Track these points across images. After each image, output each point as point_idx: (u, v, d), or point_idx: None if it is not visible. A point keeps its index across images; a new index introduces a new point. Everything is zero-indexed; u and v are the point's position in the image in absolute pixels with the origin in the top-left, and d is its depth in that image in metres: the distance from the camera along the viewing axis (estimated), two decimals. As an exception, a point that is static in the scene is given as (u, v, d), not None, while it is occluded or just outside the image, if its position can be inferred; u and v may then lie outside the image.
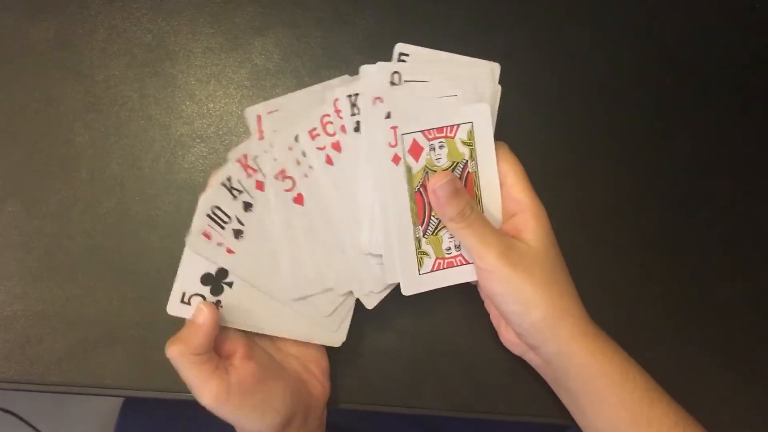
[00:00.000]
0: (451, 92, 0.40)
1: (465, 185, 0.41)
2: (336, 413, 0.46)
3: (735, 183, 0.51)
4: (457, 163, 0.41)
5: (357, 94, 0.40)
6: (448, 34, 0.51)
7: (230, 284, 0.40)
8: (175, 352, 0.37)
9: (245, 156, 0.39)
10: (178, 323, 0.46)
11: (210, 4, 0.51)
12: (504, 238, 0.40)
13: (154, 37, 0.50)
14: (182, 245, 0.47)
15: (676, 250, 0.49)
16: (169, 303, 0.39)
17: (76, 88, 0.49)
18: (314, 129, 0.40)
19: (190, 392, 0.45)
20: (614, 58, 0.52)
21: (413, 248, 0.41)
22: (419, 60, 0.41)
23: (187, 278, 0.39)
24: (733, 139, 0.51)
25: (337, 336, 0.43)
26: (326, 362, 0.44)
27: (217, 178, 0.39)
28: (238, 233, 0.40)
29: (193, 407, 0.65)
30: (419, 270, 0.41)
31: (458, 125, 0.40)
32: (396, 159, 0.40)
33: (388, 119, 0.39)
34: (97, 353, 0.46)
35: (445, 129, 0.40)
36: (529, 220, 0.40)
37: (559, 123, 0.51)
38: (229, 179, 0.39)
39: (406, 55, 0.41)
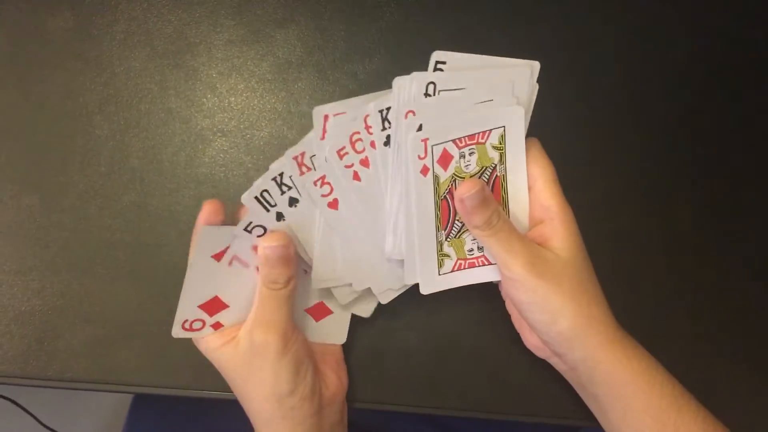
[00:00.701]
0: (487, 97, 0.39)
1: (492, 189, 0.40)
2: (350, 410, 0.45)
3: (763, 183, 0.50)
4: (486, 167, 0.40)
5: (389, 108, 0.39)
6: (474, 29, 0.50)
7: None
8: (269, 283, 0.38)
9: (302, 154, 0.39)
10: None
11: (232, -5, 0.50)
12: (531, 246, 0.39)
13: (174, 29, 0.49)
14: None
15: (703, 250, 0.48)
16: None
17: (96, 80, 0.48)
18: (343, 148, 0.39)
19: (206, 390, 0.45)
20: (642, 56, 0.51)
21: (435, 251, 0.40)
22: (457, 66, 0.40)
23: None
24: (763, 140, 0.50)
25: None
26: (341, 355, 0.44)
27: (269, 173, 0.39)
28: (279, 216, 0.40)
29: (203, 404, 0.65)
30: (439, 271, 0.41)
31: (491, 130, 0.39)
32: (425, 170, 0.39)
33: (419, 132, 0.38)
34: (115, 349, 0.45)
35: (477, 135, 0.39)
36: (558, 229, 0.39)
37: (584, 120, 0.50)
38: (281, 175, 0.39)
39: (443, 63, 0.40)
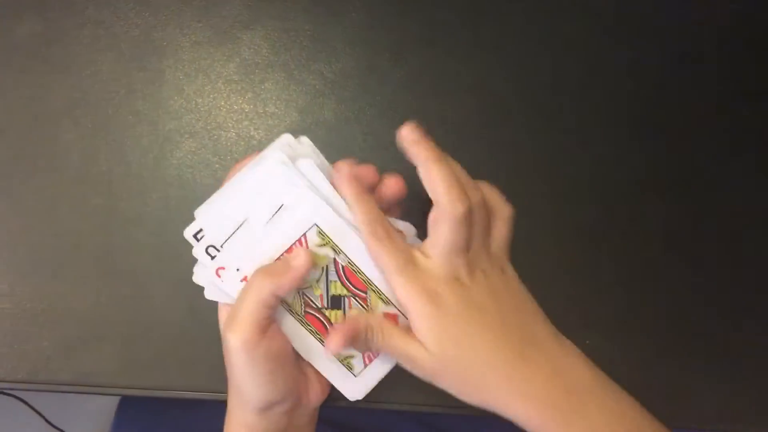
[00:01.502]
0: (274, 206, 0.37)
1: (348, 278, 0.38)
2: (334, 408, 0.45)
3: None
4: (327, 266, 0.38)
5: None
6: (440, 24, 0.50)
7: None
8: (265, 285, 0.36)
9: None
10: (167, 321, 0.46)
11: (198, -3, 0.50)
12: (408, 349, 0.37)
13: (141, 32, 0.49)
14: (172, 241, 0.47)
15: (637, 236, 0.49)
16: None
17: (63, 84, 0.48)
18: None
19: (179, 390, 0.45)
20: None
21: (336, 363, 0.40)
22: (219, 211, 0.38)
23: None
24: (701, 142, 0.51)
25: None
26: None
27: None
28: None
29: (189, 405, 0.65)
30: (353, 373, 0.40)
31: (303, 235, 0.37)
32: None
33: (238, 272, 0.37)
34: (85, 351, 0.45)
35: (292, 248, 0.37)
36: (415, 322, 0.37)
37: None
38: None
39: (200, 231, 0.38)
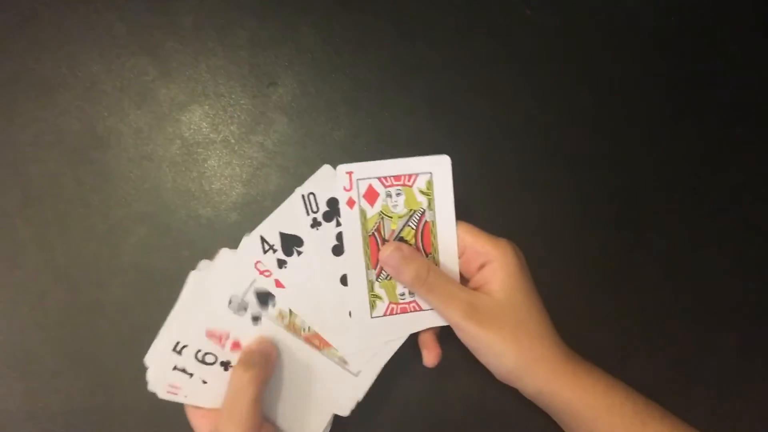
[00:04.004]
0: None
1: (422, 234, 0.42)
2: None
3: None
4: (414, 211, 0.42)
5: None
6: (363, 76, 0.52)
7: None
8: (253, 382, 0.38)
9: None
10: (136, 407, 0.47)
11: (134, 85, 0.51)
12: (466, 294, 0.40)
13: (82, 125, 0.51)
14: (136, 326, 0.48)
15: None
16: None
17: (14, 184, 0.50)
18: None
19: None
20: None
21: (366, 290, 0.42)
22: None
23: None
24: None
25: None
26: None
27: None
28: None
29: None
30: (371, 313, 0.42)
31: (417, 174, 0.41)
32: (350, 203, 0.41)
33: (344, 165, 0.41)
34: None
35: (402, 177, 0.41)
36: (497, 271, 0.41)
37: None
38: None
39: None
